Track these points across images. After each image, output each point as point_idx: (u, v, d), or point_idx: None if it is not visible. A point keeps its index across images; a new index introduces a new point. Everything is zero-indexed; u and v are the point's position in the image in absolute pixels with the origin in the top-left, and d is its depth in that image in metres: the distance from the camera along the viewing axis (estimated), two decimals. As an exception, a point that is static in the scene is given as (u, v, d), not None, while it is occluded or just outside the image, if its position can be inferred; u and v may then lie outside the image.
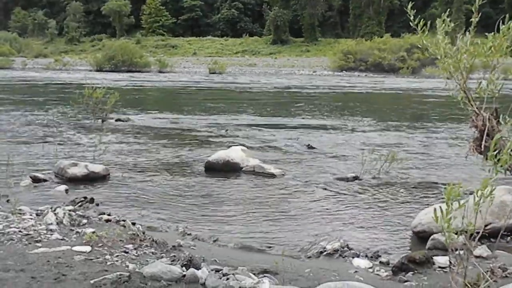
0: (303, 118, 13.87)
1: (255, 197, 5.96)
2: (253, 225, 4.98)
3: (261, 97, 22.75)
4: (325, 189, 6.41)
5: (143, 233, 4.08)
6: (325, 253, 4.21)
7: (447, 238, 2.29)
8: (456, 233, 2.32)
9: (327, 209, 5.62)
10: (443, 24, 2.75)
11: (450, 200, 2.19)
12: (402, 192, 6.35)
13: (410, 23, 2.94)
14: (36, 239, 3.72)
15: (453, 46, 3.02)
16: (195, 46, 72.78)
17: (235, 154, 7.41)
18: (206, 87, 28.53)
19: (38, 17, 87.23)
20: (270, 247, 4.42)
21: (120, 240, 3.81)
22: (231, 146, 8.19)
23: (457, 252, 2.52)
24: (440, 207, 2.26)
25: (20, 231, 3.88)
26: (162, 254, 3.70)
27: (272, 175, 6.94)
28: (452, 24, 2.83)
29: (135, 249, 3.71)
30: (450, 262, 2.88)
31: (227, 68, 49.05)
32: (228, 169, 7.16)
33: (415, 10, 2.98)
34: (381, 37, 53.83)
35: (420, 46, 3.22)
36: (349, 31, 70.19)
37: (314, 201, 5.92)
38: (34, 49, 73.00)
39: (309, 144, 9.32)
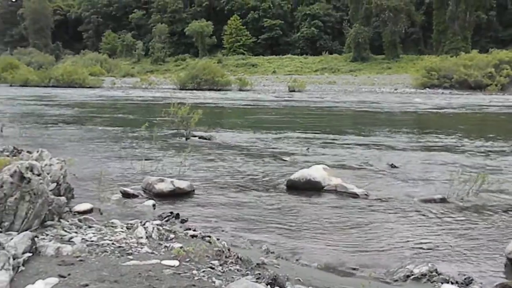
0: (385, 137, 13.56)
1: (337, 217, 5.88)
2: (336, 246, 4.91)
3: (342, 115, 22.55)
4: (410, 210, 6.22)
5: (228, 249, 4.13)
6: (412, 277, 4.07)
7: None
8: None
9: (412, 231, 5.44)
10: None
11: None
12: (493, 216, 6.03)
13: None
14: (128, 252, 3.87)
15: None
16: (275, 64, 73.50)
17: (317, 173, 7.36)
18: (286, 105, 28.68)
19: (127, 39, 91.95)
20: (354, 268, 4.33)
21: (206, 256, 3.88)
22: (313, 164, 8.15)
23: None
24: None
25: (113, 244, 4.05)
26: (247, 272, 3.73)
27: (355, 195, 6.83)
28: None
29: (220, 265, 3.76)
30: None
31: (307, 86, 49.10)
32: (310, 188, 7.12)
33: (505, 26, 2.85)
34: (467, 53, 51.76)
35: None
36: (433, 47, 68.08)
37: (399, 222, 5.75)
38: (122, 69, 76.90)
39: (392, 164, 9.09)
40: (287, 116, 22.00)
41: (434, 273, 4.07)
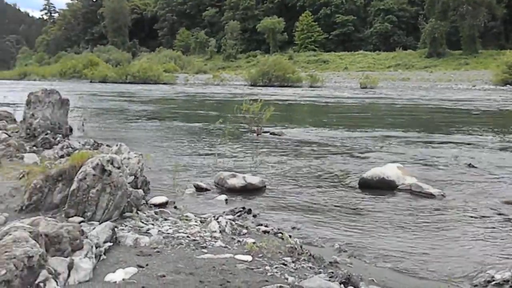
0: (462, 135, 13.03)
1: (412, 218, 5.71)
2: (411, 247, 4.76)
3: (416, 112, 21.90)
4: (491, 212, 5.93)
5: (301, 246, 4.12)
6: (493, 282, 3.87)
7: None
8: None
9: (493, 234, 5.18)
10: None
11: None
12: None
13: None
14: (202, 245, 3.95)
15: None
16: (347, 61, 72.59)
17: (391, 171, 7.18)
18: (357, 102, 28.25)
19: (200, 36, 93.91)
20: (430, 271, 4.19)
21: (279, 252, 3.89)
22: (386, 162, 7.97)
23: None
24: None
25: (187, 236, 4.15)
26: (320, 270, 3.70)
27: (431, 195, 6.60)
28: None
29: (293, 262, 3.76)
30: None
31: (379, 82, 48.19)
32: (383, 187, 6.96)
33: None
34: (553, 47, 48.76)
35: None
36: (515, 41, 64.72)
37: (478, 225, 5.50)
38: (195, 66, 78.70)
39: (470, 163, 8.71)
40: (359, 113, 21.66)
41: (518, 280, 3.85)
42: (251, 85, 51.23)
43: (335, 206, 6.18)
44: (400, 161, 8.64)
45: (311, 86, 49.58)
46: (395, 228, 5.33)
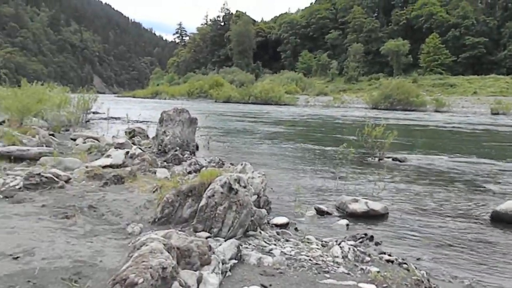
0: None
1: (553, 258, 5.20)
2: (552, 291, 4.34)
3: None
4: None
5: (428, 280, 3.92)
6: None
7: None
8: None
9: None
10: None
11: None
12: None
13: None
14: (324, 270, 3.91)
15: None
16: (476, 85, 68.69)
17: (528, 205, 6.61)
18: (488, 129, 26.54)
19: (322, 59, 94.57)
20: None
21: (405, 284, 3.73)
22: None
23: None
24: None
25: (309, 260, 4.14)
26: (449, 307, 3.50)
27: None
28: None
29: (420, 296, 3.59)
30: None
31: (513, 108, 44.95)
32: (519, 222, 6.44)
33: None
34: None
35: None
36: None
37: None
38: (316, 87, 79.14)
39: None
40: (490, 140, 20.31)
41: None
42: (372, 108, 50.36)
43: (463, 239, 5.82)
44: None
45: (436, 111, 47.54)
46: (533, 269, 4.88)
